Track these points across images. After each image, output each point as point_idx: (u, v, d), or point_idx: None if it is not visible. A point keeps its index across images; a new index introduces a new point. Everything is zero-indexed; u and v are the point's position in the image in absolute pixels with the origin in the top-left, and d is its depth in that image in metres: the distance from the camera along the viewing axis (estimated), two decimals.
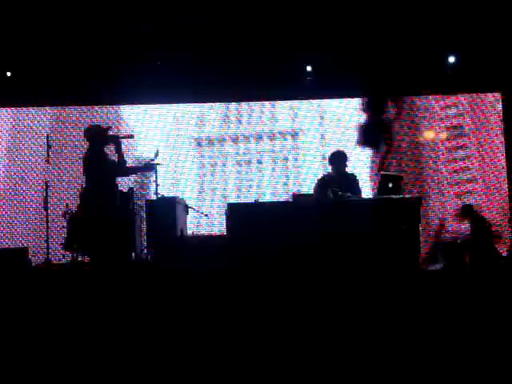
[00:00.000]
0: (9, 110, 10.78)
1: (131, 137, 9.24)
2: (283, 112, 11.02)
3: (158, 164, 9.03)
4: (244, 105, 10.99)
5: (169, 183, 10.54)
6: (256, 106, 11.00)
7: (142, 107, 10.85)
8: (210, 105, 10.93)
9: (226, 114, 10.98)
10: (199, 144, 10.93)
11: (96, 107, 10.76)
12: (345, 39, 10.22)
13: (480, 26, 10.18)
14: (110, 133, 8.88)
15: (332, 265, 7.50)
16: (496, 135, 10.99)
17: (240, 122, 10.99)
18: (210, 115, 10.95)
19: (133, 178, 10.13)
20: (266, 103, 11.01)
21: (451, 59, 10.62)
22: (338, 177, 8.64)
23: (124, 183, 9.61)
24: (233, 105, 11.00)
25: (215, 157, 10.92)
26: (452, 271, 8.29)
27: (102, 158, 8.68)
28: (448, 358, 5.97)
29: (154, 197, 9.12)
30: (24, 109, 10.75)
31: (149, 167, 9.15)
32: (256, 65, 10.36)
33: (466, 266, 8.82)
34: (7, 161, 10.72)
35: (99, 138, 8.67)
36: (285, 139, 11.01)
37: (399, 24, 10.12)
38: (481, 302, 6.68)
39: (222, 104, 10.97)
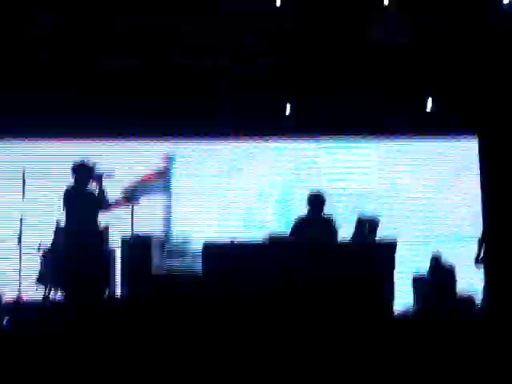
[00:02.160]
0: None
1: (111, 176, 9.24)
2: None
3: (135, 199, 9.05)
4: None
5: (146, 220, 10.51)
6: None
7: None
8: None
9: None
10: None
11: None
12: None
13: (456, 70, 10.43)
14: (96, 171, 8.83)
15: (303, 310, 7.44)
16: None
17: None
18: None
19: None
20: None
21: (428, 101, 10.70)
22: (315, 218, 8.63)
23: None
24: None
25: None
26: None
27: (86, 194, 8.66)
28: None
29: (129, 234, 9.09)
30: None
31: (128, 200, 9.17)
32: None
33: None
34: None
35: (86, 174, 8.66)
36: None
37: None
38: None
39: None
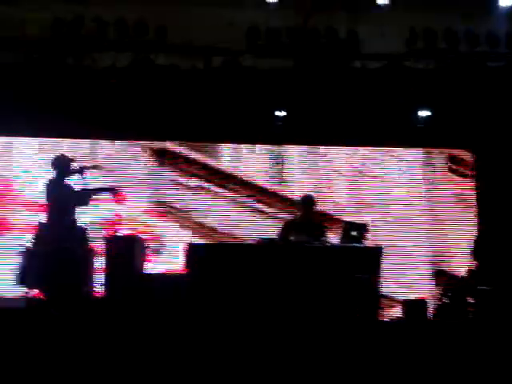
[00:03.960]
0: None
1: (97, 167, 9.08)
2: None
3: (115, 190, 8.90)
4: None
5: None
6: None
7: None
8: None
9: None
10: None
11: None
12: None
13: (453, 86, 10.43)
14: (75, 164, 8.68)
15: (289, 310, 7.30)
16: None
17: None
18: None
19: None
20: None
21: (423, 114, 10.65)
22: (304, 221, 8.52)
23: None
24: None
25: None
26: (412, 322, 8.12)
27: (64, 187, 8.49)
28: None
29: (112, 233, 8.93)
30: None
31: (107, 189, 9.03)
32: None
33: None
34: None
35: (65, 167, 8.52)
36: None
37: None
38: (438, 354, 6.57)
39: None
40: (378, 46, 10.02)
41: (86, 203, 8.59)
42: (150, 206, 10.60)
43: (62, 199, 8.38)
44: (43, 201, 8.55)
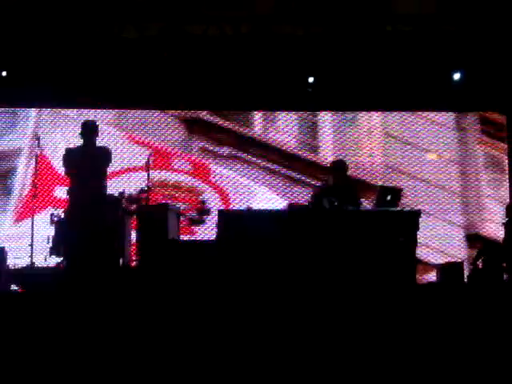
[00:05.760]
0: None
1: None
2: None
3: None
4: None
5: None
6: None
7: None
8: None
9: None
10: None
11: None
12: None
13: (488, 48, 10.20)
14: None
15: (326, 276, 7.23)
16: None
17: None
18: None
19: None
20: None
21: (456, 76, 10.50)
22: (336, 186, 8.43)
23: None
24: None
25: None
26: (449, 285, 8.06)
27: (97, 154, 8.09)
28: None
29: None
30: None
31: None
32: None
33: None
34: None
35: (95, 133, 8.14)
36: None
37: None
38: (476, 318, 6.49)
39: None
40: (409, 6, 9.87)
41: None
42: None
43: (83, 165, 7.98)
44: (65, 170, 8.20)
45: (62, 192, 9.75)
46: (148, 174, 9.09)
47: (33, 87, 10.14)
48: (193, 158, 10.65)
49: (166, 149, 10.60)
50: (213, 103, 10.61)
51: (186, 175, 10.58)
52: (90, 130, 8.06)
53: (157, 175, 10.22)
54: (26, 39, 9.88)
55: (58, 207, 9.06)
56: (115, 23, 9.93)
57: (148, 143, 10.58)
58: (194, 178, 10.58)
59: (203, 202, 9.99)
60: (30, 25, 9.78)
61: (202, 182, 10.58)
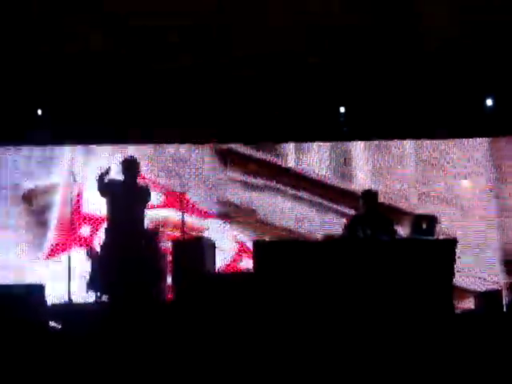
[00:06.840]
0: None
1: None
2: None
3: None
4: None
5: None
6: None
7: None
8: None
9: None
10: None
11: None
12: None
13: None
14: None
15: (364, 307, 7.18)
16: None
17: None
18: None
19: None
20: None
21: (489, 102, 10.47)
22: (369, 215, 8.41)
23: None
24: None
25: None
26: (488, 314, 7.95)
27: (134, 190, 8.29)
28: None
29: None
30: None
31: None
32: None
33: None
34: None
35: (136, 169, 8.37)
36: None
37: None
38: None
39: None
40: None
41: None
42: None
43: (125, 201, 8.18)
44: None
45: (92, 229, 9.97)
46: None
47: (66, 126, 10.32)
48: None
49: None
50: (246, 136, 10.70)
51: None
52: (132, 167, 8.23)
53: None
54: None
55: (89, 244, 9.18)
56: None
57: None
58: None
59: None
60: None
61: None
